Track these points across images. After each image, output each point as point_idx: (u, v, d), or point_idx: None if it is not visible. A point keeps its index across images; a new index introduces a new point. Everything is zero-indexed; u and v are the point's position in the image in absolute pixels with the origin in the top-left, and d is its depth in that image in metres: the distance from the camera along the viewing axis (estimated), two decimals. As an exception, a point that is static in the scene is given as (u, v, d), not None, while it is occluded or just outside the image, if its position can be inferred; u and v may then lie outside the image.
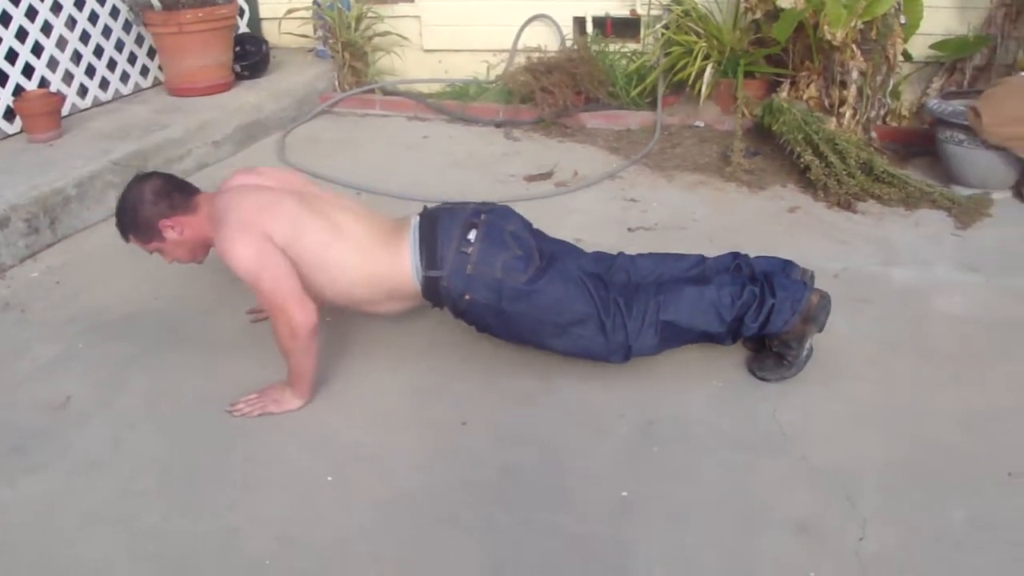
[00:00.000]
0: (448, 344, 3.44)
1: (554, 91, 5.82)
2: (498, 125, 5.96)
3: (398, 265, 3.09)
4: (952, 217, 4.42)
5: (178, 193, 3.10)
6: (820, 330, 3.16)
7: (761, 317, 3.08)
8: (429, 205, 3.31)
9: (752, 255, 3.36)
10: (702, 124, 5.68)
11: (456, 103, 6.26)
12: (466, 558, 2.47)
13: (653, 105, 5.84)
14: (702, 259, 3.32)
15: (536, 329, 3.11)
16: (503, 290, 3.03)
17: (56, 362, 3.43)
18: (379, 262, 3.09)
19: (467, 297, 3.06)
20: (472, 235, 3.06)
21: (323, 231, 3.05)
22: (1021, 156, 4.41)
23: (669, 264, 3.32)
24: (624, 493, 2.69)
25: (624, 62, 6.12)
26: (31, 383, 3.31)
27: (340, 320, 3.53)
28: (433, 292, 3.11)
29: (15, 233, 4.13)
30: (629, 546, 2.49)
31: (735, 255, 3.32)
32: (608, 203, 4.68)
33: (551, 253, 3.20)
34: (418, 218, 3.18)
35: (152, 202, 3.05)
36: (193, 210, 3.09)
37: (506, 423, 3.02)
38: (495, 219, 3.16)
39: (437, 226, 3.11)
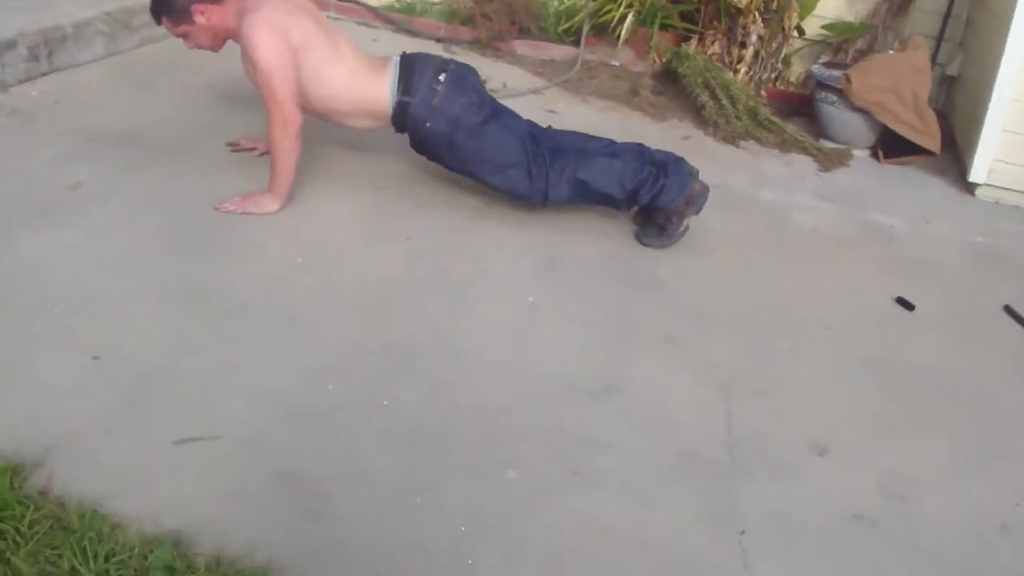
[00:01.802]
0: (396, 182, 4.15)
1: (492, 17, 6.49)
2: (439, 40, 6.61)
3: (379, 87, 3.80)
4: (817, 162, 5.27)
5: None
6: (697, 212, 3.94)
7: (653, 191, 3.84)
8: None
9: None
10: (617, 64, 6.42)
11: (402, 16, 6.89)
12: (405, 321, 3.20)
13: (576, 43, 6.54)
14: (613, 142, 4.05)
15: (478, 163, 3.86)
16: (458, 125, 3.77)
17: (64, 158, 3.98)
18: (364, 82, 3.81)
19: (428, 125, 3.79)
20: (442, 77, 3.80)
21: (326, 50, 3.74)
22: (879, 120, 5.28)
23: (587, 140, 4.04)
24: (531, 299, 3.44)
25: (555, 2, 6.84)
26: (45, 170, 3.87)
27: (311, 152, 4.09)
28: (401, 116, 3.82)
29: (18, 57, 4.63)
30: (531, 334, 3.24)
31: (640, 144, 4.06)
32: (531, 112, 5.34)
33: (499, 109, 3.96)
34: (399, 57, 3.90)
35: None
36: (222, 1, 3.71)
37: (443, 241, 3.75)
38: (461, 70, 3.92)
39: (415, 64, 3.84)
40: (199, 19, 3.69)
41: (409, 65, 3.83)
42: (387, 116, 3.86)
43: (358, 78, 3.81)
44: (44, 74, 4.81)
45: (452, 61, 3.94)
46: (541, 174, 3.81)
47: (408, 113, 3.79)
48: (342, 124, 3.97)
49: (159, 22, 3.79)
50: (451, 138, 3.80)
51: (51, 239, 3.37)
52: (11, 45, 4.59)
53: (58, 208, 3.59)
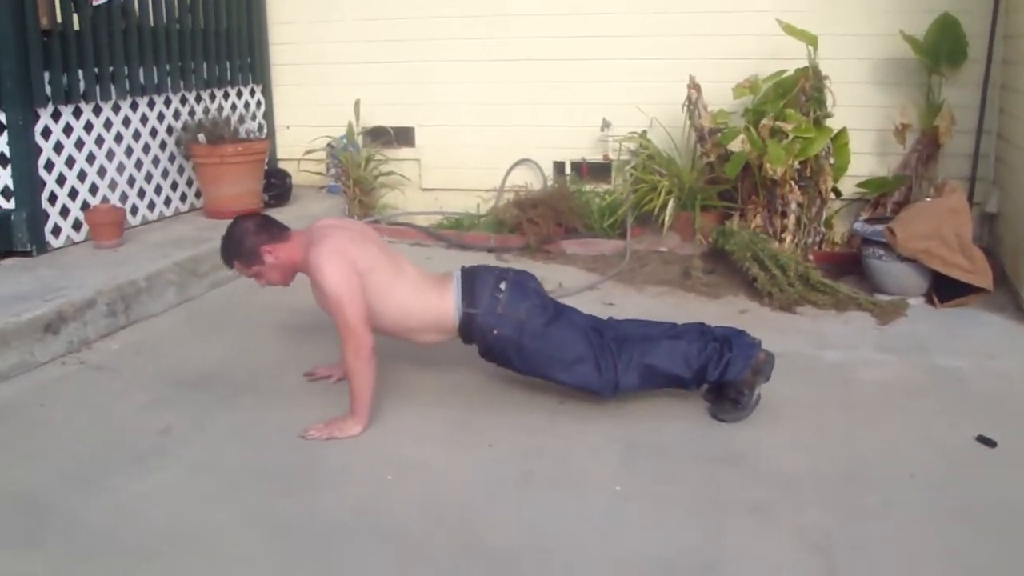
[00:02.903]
0: (467, 392, 4.31)
1: (539, 222, 6.78)
2: (490, 250, 6.90)
3: (444, 301, 4.02)
4: (875, 317, 5.38)
5: (275, 227, 4.08)
6: (766, 380, 4.05)
7: (720, 367, 3.96)
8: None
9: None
10: (665, 249, 6.65)
11: (453, 232, 7.21)
12: (499, 526, 3.28)
13: (623, 235, 6.80)
14: (675, 325, 4.20)
15: (547, 363, 4.01)
16: (525, 329, 3.95)
17: (152, 404, 4.23)
18: (429, 298, 4.03)
19: (495, 332, 3.97)
20: (503, 285, 4.01)
21: (390, 271, 4.00)
22: (929, 266, 5.40)
23: (649, 326, 4.20)
24: (618, 488, 3.52)
25: (597, 200, 7.13)
26: (135, 417, 4.11)
27: (384, 372, 4.24)
28: (467, 327, 4.02)
29: (99, 314, 4.97)
30: (624, 521, 3.30)
31: (701, 323, 4.20)
32: (589, 306, 5.50)
33: (561, 308, 4.15)
34: (460, 271, 4.13)
35: (255, 232, 4.00)
36: (287, 239, 4.04)
37: (522, 444, 3.86)
38: (521, 277, 4.14)
39: (476, 277, 4.07)
40: (268, 259, 3.98)
41: (470, 277, 4.05)
42: (454, 329, 4.05)
43: (423, 295, 4.03)
44: (123, 327, 5.16)
45: (511, 269, 4.16)
46: (609, 365, 3.94)
47: (475, 323, 3.98)
48: (411, 340, 4.15)
49: (231, 267, 4.09)
50: (519, 343, 3.96)
51: (148, 483, 3.54)
52: (91, 304, 4.95)
53: (151, 453, 3.77)
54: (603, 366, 3.95)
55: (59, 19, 5.83)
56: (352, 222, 4.44)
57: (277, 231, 4.06)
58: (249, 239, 3.99)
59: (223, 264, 4.15)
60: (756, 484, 3.54)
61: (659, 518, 3.31)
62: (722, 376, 3.97)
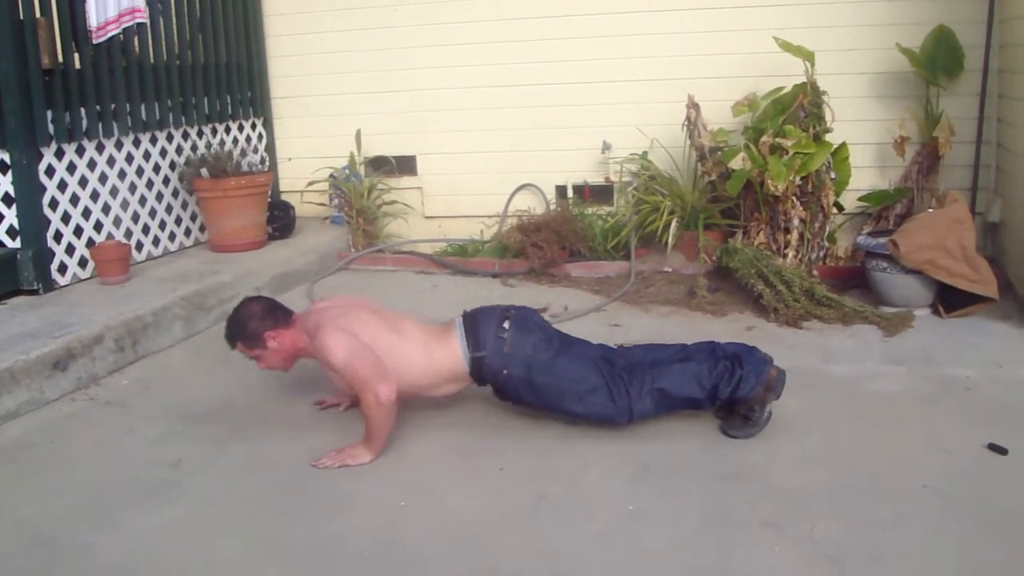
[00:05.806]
0: (478, 417, 4.32)
1: (543, 246, 6.80)
2: (495, 276, 6.92)
3: (451, 352, 4.03)
4: (881, 329, 5.38)
5: (280, 312, 4.09)
6: (777, 397, 4.05)
7: (732, 384, 3.96)
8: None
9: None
10: (670, 269, 6.66)
11: (457, 259, 7.23)
12: (513, 550, 3.28)
13: (627, 257, 6.81)
14: (684, 346, 4.20)
15: (560, 397, 4.01)
16: (533, 365, 3.96)
17: (162, 438, 4.24)
18: (436, 352, 4.04)
19: (505, 372, 3.98)
20: (506, 324, 4.03)
21: (392, 338, 4.01)
22: (933, 277, 5.41)
23: (659, 350, 4.20)
24: (630, 507, 3.52)
25: (600, 222, 7.15)
26: (146, 451, 4.12)
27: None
28: (478, 370, 4.03)
29: (107, 350, 4.99)
30: (637, 541, 3.30)
31: (711, 342, 4.21)
32: (596, 328, 5.59)
33: (568, 340, 4.14)
34: (461, 317, 4.14)
35: (260, 317, 4.03)
36: (290, 325, 4.07)
37: (534, 466, 3.85)
38: (523, 313, 4.15)
39: (478, 320, 4.08)
40: (271, 344, 4.02)
41: (472, 321, 4.09)
42: (467, 375, 4.08)
43: (430, 352, 4.05)
44: (131, 362, 5.18)
45: (511, 307, 4.19)
46: (622, 393, 3.95)
47: (485, 366, 4.01)
48: (430, 396, 4.18)
49: (233, 347, 4.11)
50: (529, 379, 3.98)
51: (161, 516, 3.55)
52: (99, 340, 4.97)
53: (163, 487, 3.78)
54: (616, 394, 3.95)
55: (60, 58, 5.89)
56: (343, 297, 4.50)
57: (282, 316, 4.08)
58: (254, 323, 4.02)
59: (227, 343, 4.15)
60: (768, 499, 3.53)
61: (672, 536, 3.31)
62: (734, 394, 3.97)
